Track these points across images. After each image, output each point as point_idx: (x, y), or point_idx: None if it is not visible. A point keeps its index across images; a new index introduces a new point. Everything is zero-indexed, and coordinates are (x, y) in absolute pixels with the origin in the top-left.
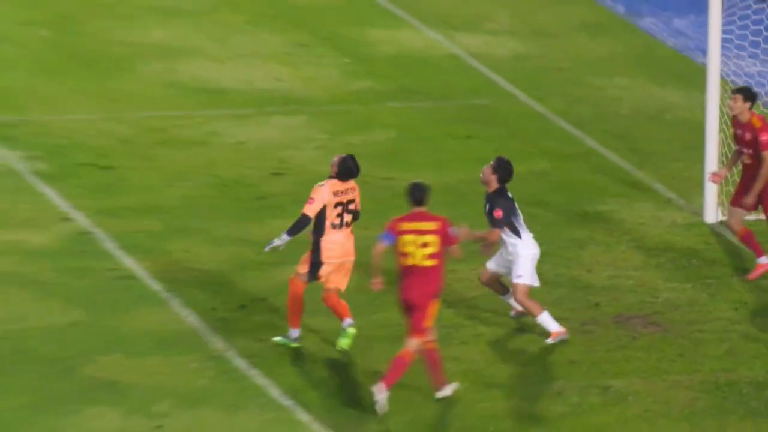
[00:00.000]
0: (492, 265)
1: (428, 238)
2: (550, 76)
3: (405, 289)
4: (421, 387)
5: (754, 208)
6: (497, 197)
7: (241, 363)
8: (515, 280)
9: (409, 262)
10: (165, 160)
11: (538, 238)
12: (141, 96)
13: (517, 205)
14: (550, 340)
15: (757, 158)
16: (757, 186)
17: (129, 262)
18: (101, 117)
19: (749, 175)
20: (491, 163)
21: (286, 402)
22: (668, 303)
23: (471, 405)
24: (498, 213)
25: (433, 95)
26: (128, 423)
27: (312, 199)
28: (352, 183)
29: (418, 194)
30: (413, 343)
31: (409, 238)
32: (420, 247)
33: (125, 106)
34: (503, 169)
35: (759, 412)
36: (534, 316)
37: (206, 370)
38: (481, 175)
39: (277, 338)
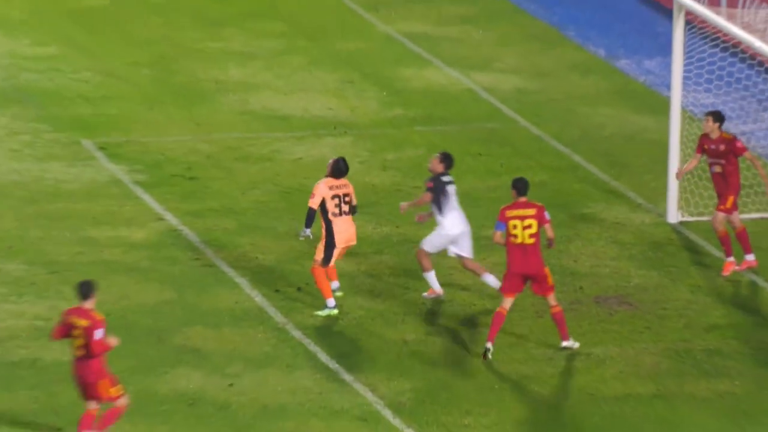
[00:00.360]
0: (453, 250)
1: (529, 221)
2: (547, 106)
3: (521, 262)
4: (431, 355)
5: (733, 209)
6: (436, 177)
7: (297, 333)
8: (421, 244)
9: (518, 241)
10: (239, 172)
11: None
12: (221, 121)
13: (451, 189)
14: (426, 294)
15: (731, 166)
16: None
17: (209, 253)
18: (189, 138)
19: (722, 182)
20: (438, 155)
21: (333, 365)
22: (638, 287)
23: (478, 368)
24: (429, 184)
25: (452, 121)
26: (208, 381)
27: (313, 194)
28: (344, 180)
29: (522, 188)
30: (552, 299)
31: (515, 222)
32: (524, 228)
33: (208, 130)
34: (448, 159)
35: (711, 373)
36: (423, 270)
37: (270, 339)
38: (429, 164)
39: (320, 312)
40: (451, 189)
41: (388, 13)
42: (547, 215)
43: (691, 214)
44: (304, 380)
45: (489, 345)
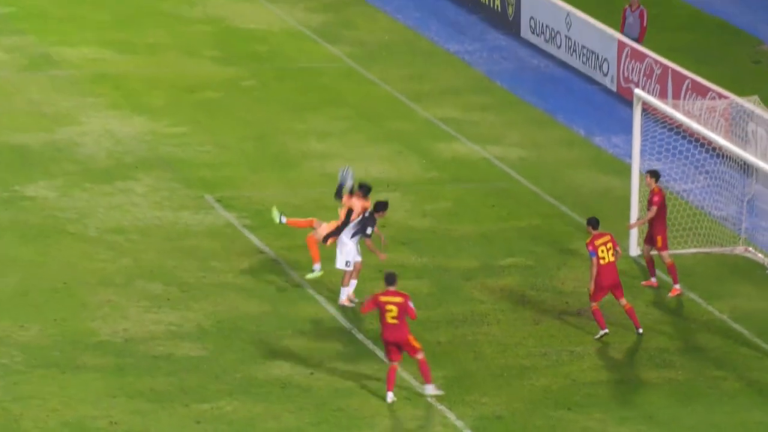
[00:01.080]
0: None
1: (609, 245)
2: (542, 170)
3: (610, 276)
4: (458, 352)
5: (653, 243)
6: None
7: (360, 336)
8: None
9: (605, 261)
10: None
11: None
12: (305, 181)
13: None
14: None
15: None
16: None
17: (296, 277)
18: (282, 193)
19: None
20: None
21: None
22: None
23: (492, 361)
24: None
25: (473, 181)
26: (294, 370)
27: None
28: (345, 200)
29: (596, 223)
30: (623, 300)
31: (602, 248)
32: (608, 251)
33: (296, 186)
34: (366, 185)
35: (661, 365)
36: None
37: (340, 340)
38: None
39: (310, 275)
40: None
41: (426, 102)
42: (614, 240)
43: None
44: (365, 370)
45: (604, 331)
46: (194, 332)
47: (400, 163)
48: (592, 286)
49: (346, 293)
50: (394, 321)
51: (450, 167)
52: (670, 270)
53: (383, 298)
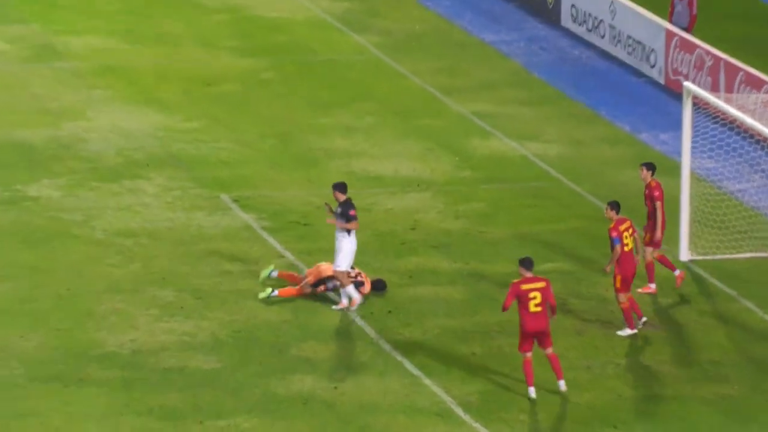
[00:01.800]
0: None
1: (630, 231)
2: (583, 169)
3: (631, 265)
4: (494, 365)
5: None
6: (348, 202)
7: (387, 347)
8: (334, 268)
9: (628, 249)
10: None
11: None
12: (329, 180)
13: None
14: (336, 308)
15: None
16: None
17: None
18: (304, 193)
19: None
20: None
21: (416, 372)
22: (658, 310)
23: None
24: (354, 211)
25: (510, 180)
26: (317, 385)
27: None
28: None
29: (618, 208)
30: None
31: (626, 234)
32: (630, 237)
33: (319, 186)
34: (336, 185)
35: (714, 379)
36: (342, 285)
37: (366, 351)
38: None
39: (264, 272)
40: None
41: (459, 96)
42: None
43: (699, 254)
44: (393, 384)
45: (644, 319)
46: (209, 343)
47: (432, 162)
48: (619, 280)
49: (348, 296)
50: (538, 309)
51: (485, 165)
52: (649, 267)
53: (525, 286)
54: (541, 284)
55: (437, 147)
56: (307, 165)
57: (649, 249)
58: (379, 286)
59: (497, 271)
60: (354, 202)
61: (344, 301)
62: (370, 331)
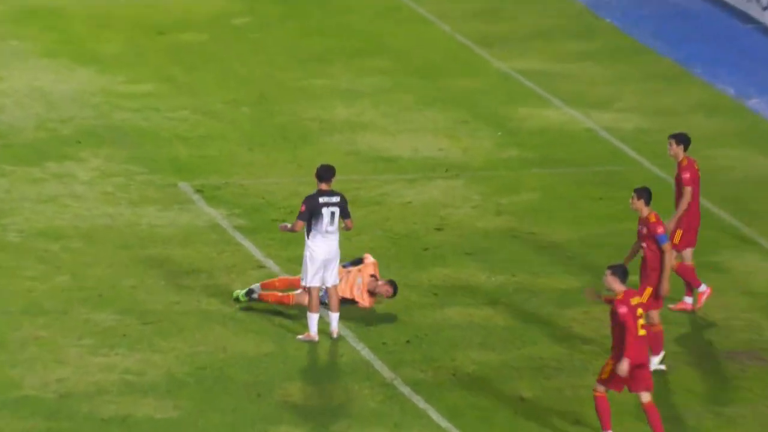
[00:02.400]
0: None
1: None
2: None
3: (644, 350)
4: (550, 415)
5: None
6: (309, 195)
7: (405, 389)
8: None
9: (642, 332)
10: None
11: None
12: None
13: (326, 209)
14: (300, 337)
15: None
16: None
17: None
18: (292, 180)
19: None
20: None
21: (445, 424)
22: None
23: (599, 428)
24: (302, 207)
25: (570, 163)
26: None
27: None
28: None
29: (649, 198)
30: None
31: (640, 311)
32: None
33: (312, 172)
34: (320, 170)
35: None
36: (309, 310)
37: (376, 395)
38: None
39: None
40: (326, 211)
41: (502, 49)
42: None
43: None
44: None
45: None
46: (162, 384)
47: (465, 138)
48: (665, 286)
49: (337, 321)
50: (644, 332)
51: (536, 143)
52: (684, 273)
53: (634, 301)
54: (641, 298)
55: (472, 118)
56: (295, 142)
57: (689, 251)
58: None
59: (554, 287)
60: (347, 193)
61: (312, 330)
62: (382, 368)
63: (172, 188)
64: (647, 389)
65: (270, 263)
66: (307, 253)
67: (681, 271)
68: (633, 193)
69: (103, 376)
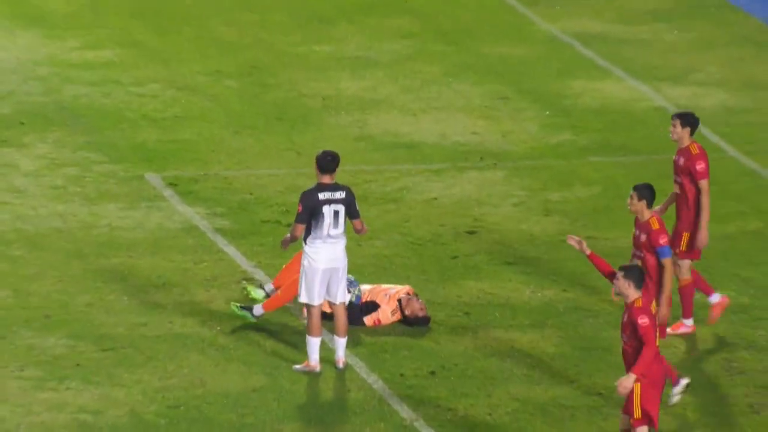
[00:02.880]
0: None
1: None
2: (763, 130)
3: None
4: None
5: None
6: (306, 190)
7: None
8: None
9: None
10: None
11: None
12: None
13: (328, 208)
14: (297, 367)
15: (685, 191)
16: None
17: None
18: (287, 172)
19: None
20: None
21: None
22: None
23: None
24: (299, 206)
25: (638, 149)
26: None
27: None
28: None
29: (652, 199)
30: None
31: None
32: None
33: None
34: (321, 159)
35: None
36: (309, 333)
37: None
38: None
39: (238, 308)
40: (329, 210)
41: (552, 7)
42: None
43: None
44: None
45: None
46: (125, 426)
47: (505, 118)
48: (664, 311)
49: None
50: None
51: (595, 124)
52: (685, 292)
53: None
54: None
55: (514, 93)
56: (293, 123)
57: (687, 262)
58: (416, 320)
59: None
60: (356, 188)
61: (312, 358)
62: (400, 407)
63: (139, 181)
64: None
65: (260, 275)
66: (305, 263)
67: (686, 290)
68: (632, 192)
69: (51, 416)
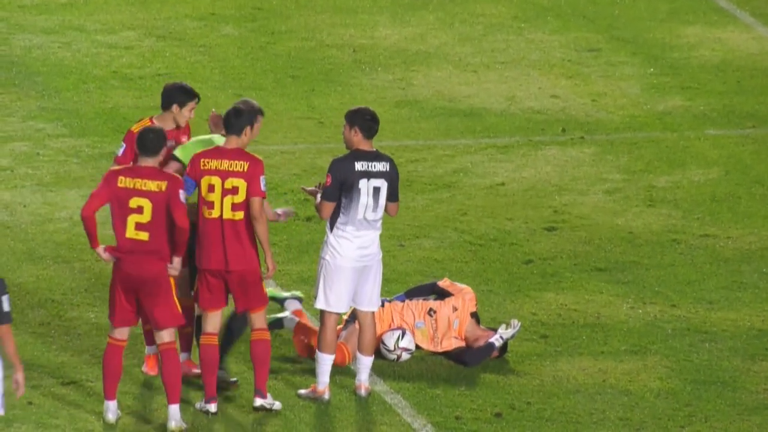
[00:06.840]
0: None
1: None
2: None
3: None
4: None
5: None
6: (338, 158)
7: None
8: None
9: None
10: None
11: None
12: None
13: (366, 183)
14: (303, 392)
15: None
16: None
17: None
18: (306, 148)
19: None
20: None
21: None
22: None
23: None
24: (327, 178)
25: None
26: None
27: None
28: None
29: None
30: None
31: None
32: None
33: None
34: (358, 117)
35: None
36: (320, 348)
37: None
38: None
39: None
40: (366, 185)
41: None
42: None
43: None
44: None
45: None
46: None
47: (595, 78)
48: None
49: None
50: None
51: (715, 86)
52: None
53: None
54: None
55: (607, 44)
56: (313, 84)
57: None
58: (474, 357)
59: (740, 324)
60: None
61: (321, 381)
62: None
63: (108, 160)
64: None
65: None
66: (326, 258)
67: None
68: None
69: None
